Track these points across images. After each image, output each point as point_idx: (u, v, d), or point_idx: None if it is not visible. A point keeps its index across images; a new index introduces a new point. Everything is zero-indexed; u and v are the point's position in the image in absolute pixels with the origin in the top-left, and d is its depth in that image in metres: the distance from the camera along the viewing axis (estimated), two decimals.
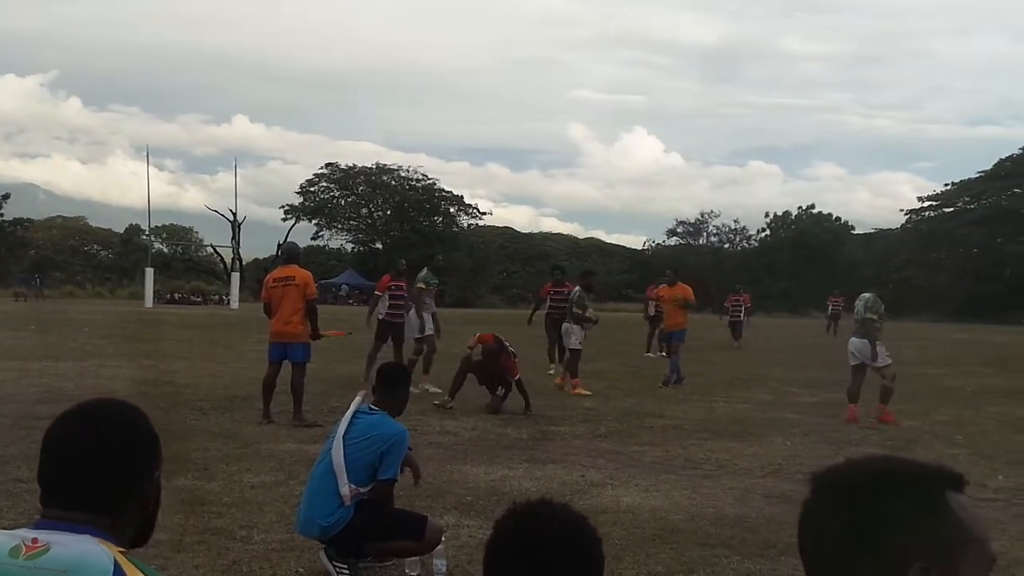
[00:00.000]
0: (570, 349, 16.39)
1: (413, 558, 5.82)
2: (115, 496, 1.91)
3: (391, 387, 6.31)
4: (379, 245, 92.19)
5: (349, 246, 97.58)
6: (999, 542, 6.02)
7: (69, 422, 1.97)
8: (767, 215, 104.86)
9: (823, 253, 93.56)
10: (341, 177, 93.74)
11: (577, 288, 16.82)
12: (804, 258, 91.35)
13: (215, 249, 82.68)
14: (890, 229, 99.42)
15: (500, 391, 13.44)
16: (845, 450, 10.90)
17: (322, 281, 68.36)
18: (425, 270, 17.11)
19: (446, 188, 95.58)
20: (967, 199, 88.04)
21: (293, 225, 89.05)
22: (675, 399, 15.48)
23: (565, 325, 16.65)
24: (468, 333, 15.46)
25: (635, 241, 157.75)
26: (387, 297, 16.80)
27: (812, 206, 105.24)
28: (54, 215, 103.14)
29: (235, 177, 69.13)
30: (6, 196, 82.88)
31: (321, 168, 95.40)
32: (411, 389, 7.16)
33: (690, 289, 18.78)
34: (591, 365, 18.30)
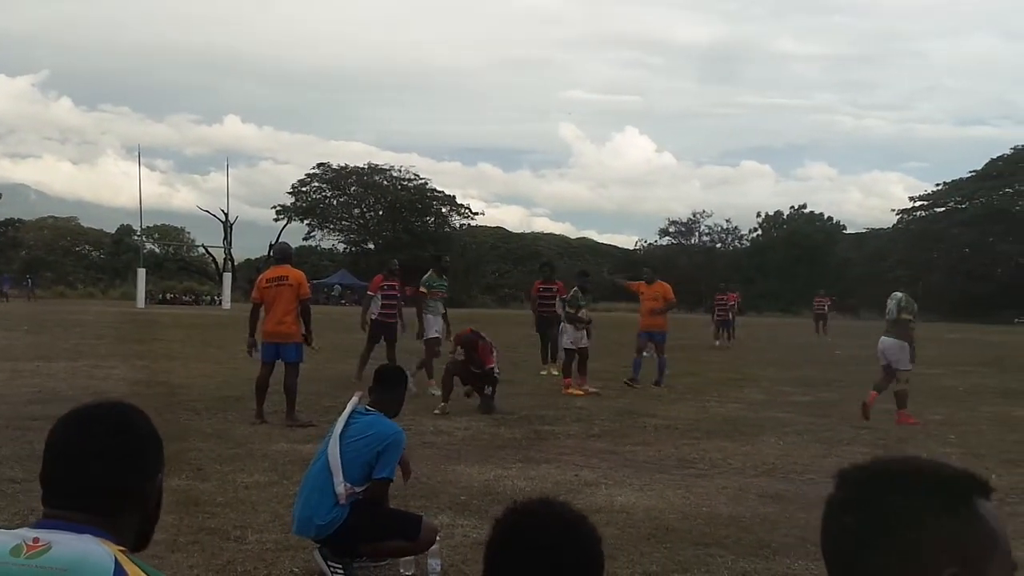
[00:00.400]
0: (563, 349, 16.39)
1: (408, 558, 5.81)
2: (116, 497, 1.91)
3: (388, 388, 6.31)
4: (371, 245, 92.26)
5: (341, 246, 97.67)
6: None
7: (72, 423, 1.97)
8: (759, 215, 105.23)
9: (815, 253, 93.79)
10: (333, 177, 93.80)
11: (575, 288, 16.74)
12: (796, 258, 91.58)
13: (207, 249, 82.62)
14: (882, 229, 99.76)
15: (488, 390, 13.44)
16: (837, 449, 10.94)
17: (314, 281, 68.23)
18: (430, 272, 16.85)
19: (438, 188, 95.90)
20: (958, 199, 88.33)
21: (285, 225, 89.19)
22: (668, 399, 15.49)
23: (562, 325, 16.63)
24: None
25: (627, 241, 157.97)
26: (379, 297, 16.80)
27: (804, 206, 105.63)
28: (45, 215, 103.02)
29: (227, 177, 69.36)
30: None
31: (313, 168, 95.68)
32: (410, 388, 7.14)
33: (669, 287, 18.44)
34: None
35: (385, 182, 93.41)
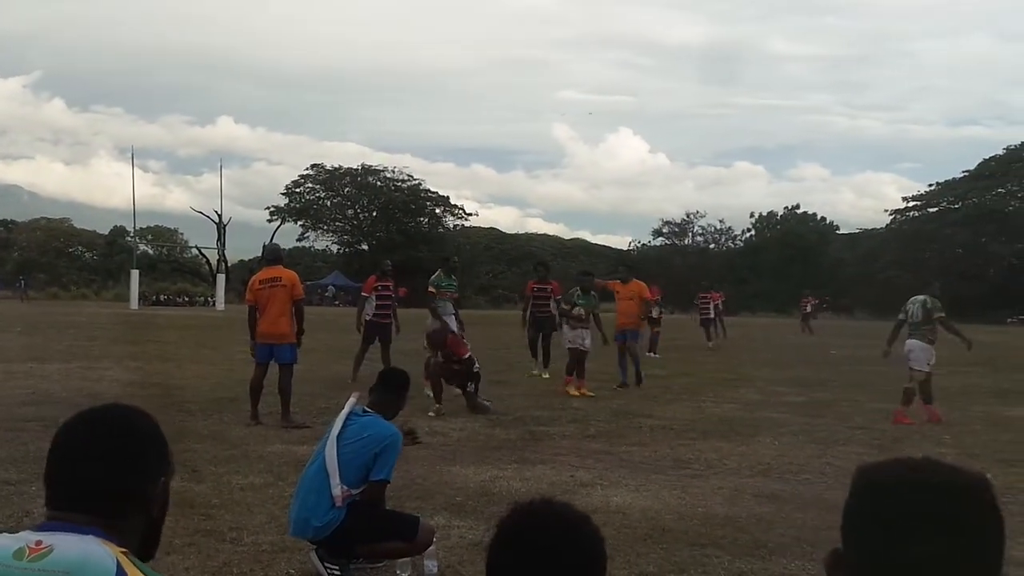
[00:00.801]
0: (566, 348, 16.28)
1: (404, 559, 5.81)
2: (118, 499, 1.91)
3: (389, 390, 6.29)
4: (365, 246, 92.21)
5: (335, 247, 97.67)
6: None
7: (76, 425, 1.98)
8: (752, 215, 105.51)
9: (808, 253, 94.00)
10: (326, 178, 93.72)
11: (576, 287, 16.60)
12: (789, 258, 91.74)
13: (200, 251, 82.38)
14: (875, 229, 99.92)
15: (470, 386, 13.43)
16: (832, 450, 10.95)
17: (308, 282, 68.21)
18: (438, 272, 16.77)
19: (431, 189, 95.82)
20: (951, 199, 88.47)
21: (279, 226, 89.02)
22: (664, 399, 15.49)
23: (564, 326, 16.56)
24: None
25: (621, 242, 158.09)
26: (374, 298, 16.79)
27: (797, 206, 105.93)
28: (38, 217, 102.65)
29: (220, 178, 69.06)
30: None
31: (306, 169, 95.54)
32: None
33: (645, 286, 18.28)
34: None
35: (378, 183, 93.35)
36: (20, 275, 71.90)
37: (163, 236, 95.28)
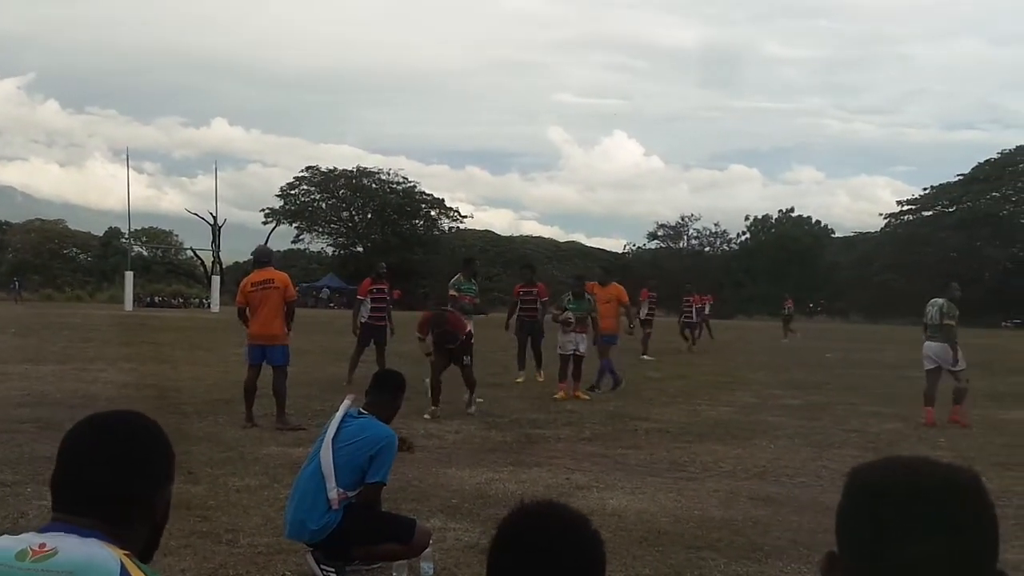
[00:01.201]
0: (558, 354, 16.18)
1: (400, 561, 5.80)
2: (125, 504, 1.92)
3: (385, 392, 6.28)
4: (360, 248, 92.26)
5: (330, 249, 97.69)
6: None
7: (84, 430, 1.99)
8: (747, 218, 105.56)
9: (803, 256, 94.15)
10: (321, 180, 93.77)
11: (568, 293, 16.37)
12: (784, 261, 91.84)
13: (195, 252, 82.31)
14: (869, 233, 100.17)
15: (466, 359, 13.47)
16: (828, 453, 10.96)
17: (303, 284, 68.28)
18: (458, 275, 16.59)
19: (426, 191, 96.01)
20: (946, 203, 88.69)
21: (274, 228, 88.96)
22: (659, 402, 15.49)
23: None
24: None
25: (616, 244, 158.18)
26: (369, 301, 16.79)
27: (792, 209, 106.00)
28: (33, 218, 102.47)
29: (215, 180, 69.13)
30: None
31: (301, 171, 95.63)
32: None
33: (623, 290, 18.05)
34: None
35: (373, 185, 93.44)
36: (14, 277, 71.84)
37: (158, 238, 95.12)
